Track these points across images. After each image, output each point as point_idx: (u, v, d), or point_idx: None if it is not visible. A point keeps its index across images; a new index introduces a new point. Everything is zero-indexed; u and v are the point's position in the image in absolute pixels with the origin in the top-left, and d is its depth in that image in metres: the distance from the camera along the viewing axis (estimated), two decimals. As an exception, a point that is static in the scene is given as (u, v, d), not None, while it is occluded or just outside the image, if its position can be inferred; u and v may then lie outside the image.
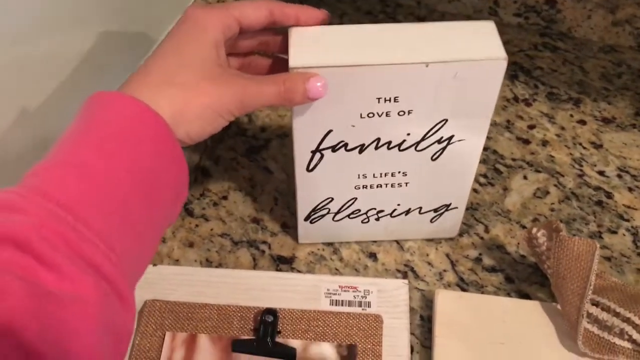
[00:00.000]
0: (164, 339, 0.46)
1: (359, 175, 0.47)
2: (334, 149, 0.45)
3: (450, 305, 0.48)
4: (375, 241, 0.54)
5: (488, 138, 0.62)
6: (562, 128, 0.63)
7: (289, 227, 0.55)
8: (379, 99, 0.41)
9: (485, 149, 0.61)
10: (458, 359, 0.45)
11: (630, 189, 0.58)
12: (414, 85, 0.40)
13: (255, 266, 0.53)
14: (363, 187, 0.48)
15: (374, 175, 0.47)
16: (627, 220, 0.56)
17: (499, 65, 0.40)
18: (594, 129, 0.63)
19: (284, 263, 0.53)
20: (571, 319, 0.44)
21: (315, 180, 0.47)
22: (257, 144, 0.63)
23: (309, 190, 0.48)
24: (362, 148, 0.45)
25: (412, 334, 0.48)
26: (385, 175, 0.47)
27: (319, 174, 0.46)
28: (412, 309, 0.49)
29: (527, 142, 0.62)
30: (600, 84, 0.67)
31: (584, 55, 0.70)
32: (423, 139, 0.44)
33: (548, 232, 0.46)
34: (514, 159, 0.61)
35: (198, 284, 0.49)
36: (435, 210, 0.51)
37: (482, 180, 0.59)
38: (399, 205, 0.50)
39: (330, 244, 0.54)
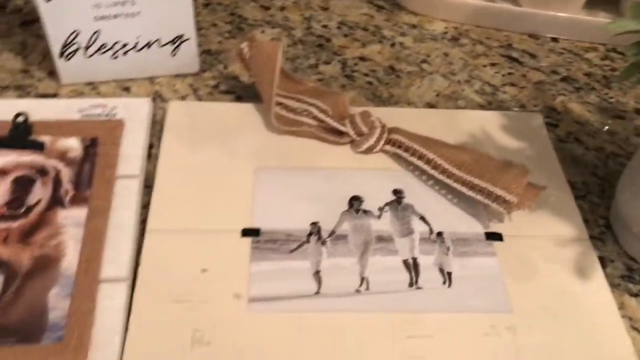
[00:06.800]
0: None
1: (93, 5, 0.57)
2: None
3: (180, 111, 0.60)
4: (130, 79, 0.64)
5: (235, 6, 0.75)
6: (299, -3, 0.78)
7: (55, 73, 0.64)
8: None
9: (232, 13, 0.74)
10: (180, 156, 0.56)
11: (345, 35, 0.73)
12: None
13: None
14: (101, 18, 0.58)
15: (106, 5, 0.57)
16: (340, 55, 0.70)
17: None
18: (324, -2, 0.78)
19: (47, 98, 0.62)
20: (268, 105, 0.58)
21: (57, 12, 0.57)
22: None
23: (54, 23, 0.57)
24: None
25: (157, 139, 0.59)
26: (116, 4, 0.58)
27: (57, 3, 0.56)
28: (156, 122, 0.60)
29: (267, 8, 0.76)
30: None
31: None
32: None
33: (250, 43, 0.59)
34: (255, 20, 0.74)
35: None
36: (172, 42, 0.62)
37: (226, 35, 0.71)
38: (139, 37, 0.61)
39: (90, 83, 0.64)
